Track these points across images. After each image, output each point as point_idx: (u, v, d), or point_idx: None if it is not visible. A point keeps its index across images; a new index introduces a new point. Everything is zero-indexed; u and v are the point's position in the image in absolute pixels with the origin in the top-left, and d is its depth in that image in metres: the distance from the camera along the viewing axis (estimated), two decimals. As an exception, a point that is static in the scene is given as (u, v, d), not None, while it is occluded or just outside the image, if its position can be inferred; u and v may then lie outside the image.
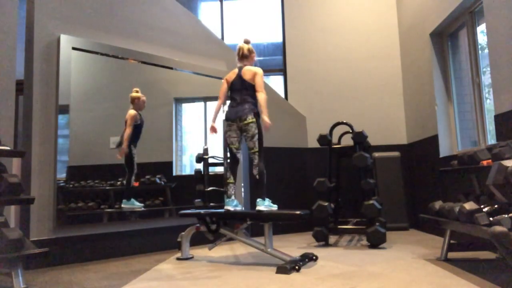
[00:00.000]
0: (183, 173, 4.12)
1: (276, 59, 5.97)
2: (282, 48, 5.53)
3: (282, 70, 5.54)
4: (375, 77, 5.26)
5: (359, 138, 3.79)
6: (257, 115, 3.10)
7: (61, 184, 3.17)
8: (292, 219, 2.88)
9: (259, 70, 3.15)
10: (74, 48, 3.34)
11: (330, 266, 2.79)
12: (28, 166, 3.08)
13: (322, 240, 3.76)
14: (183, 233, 3.35)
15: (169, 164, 3.98)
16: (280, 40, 5.57)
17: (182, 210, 3.42)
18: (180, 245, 3.32)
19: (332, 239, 4.13)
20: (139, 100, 3.68)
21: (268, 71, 6.74)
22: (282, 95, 5.34)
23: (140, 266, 3.01)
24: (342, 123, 4.01)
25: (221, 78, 4.40)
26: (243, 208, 4.39)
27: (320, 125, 5.18)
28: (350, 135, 3.98)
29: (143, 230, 3.63)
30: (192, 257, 3.32)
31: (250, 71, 3.14)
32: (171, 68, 4.02)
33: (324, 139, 3.97)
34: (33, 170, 3.07)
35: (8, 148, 2.38)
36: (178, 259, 3.28)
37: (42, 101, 3.17)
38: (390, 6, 5.34)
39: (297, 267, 2.67)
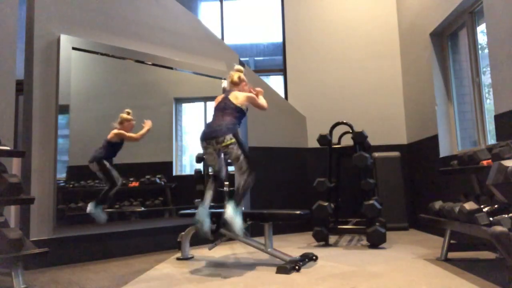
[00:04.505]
0: (183, 173, 4.12)
1: (276, 59, 5.98)
2: (282, 48, 5.53)
3: (282, 70, 5.54)
4: (375, 77, 5.26)
5: (359, 138, 3.79)
6: (237, 136, 2.81)
7: (61, 184, 3.17)
8: (292, 219, 2.88)
9: (250, 94, 3.00)
10: (74, 48, 3.34)
11: (330, 266, 2.79)
12: (28, 166, 3.07)
13: (322, 240, 3.76)
14: (183, 233, 3.35)
15: (169, 164, 3.98)
16: (280, 40, 5.57)
17: (182, 210, 3.42)
18: (180, 245, 3.32)
19: (332, 239, 4.13)
20: (128, 123, 3.61)
21: (268, 71, 6.73)
22: (282, 95, 5.34)
23: (140, 266, 3.01)
24: (342, 123, 4.00)
25: (221, 78, 4.40)
26: (243, 209, 4.39)
27: (320, 125, 5.17)
28: (350, 135, 3.98)
29: (143, 230, 3.63)
30: (192, 257, 3.32)
31: (240, 95, 2.95)
32: (171, 68, 4.02)
33: (324, 139, 3.96)
34: (33, 170, 3.07)
35: (8, 148, 2.38)
36: (178, 259, 3.28)
37: (42, 101, 3.17)
38: (390, 6, 5.34)
39: (297, 267, 2.67)
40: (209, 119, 2.95)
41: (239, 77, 3.05)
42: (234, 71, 3.11)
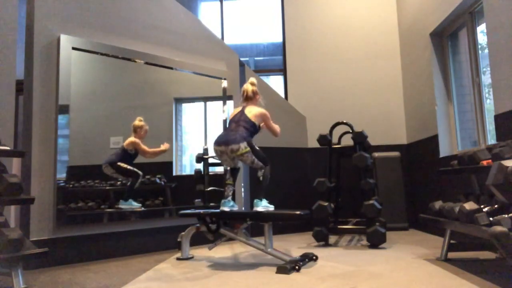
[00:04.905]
0: (183, 173, 4.12)
1: (276, 59, 5.97)
2: (282, 48, 5.53)
3: (282, 70, 5.54)
4: (375, 77, 5.26)
5: (359, 138, 3.79)
6: (250, 144, 2.98)
7: (61, 184, 3.17)
8: (292, 219, 2.88)
9: (265, 111, 3.13)
10: (74, 48, 3.34)
11: (330, 266, 2.79)
12: (28, 166, 3.07)
13: (322, 240, 3.76)
14: (183, 233, 3.35)
15: (169, 164, 3.98)
16: (280, 40, 5.57)
17: (182, 210, 3.42)
18: (180, 245, 3.32)
19: (332, 239, 4.13)
20: (141, 129, 3.70)
21: (268, 71, 6.73)
22: (282, 95, 5.34)
23: (140, 266, 3.01)
24: (342, 123, 4.00)
25: (221, 78, 4.40)
26: (243, 208, 4.39)
27: (320, 125, 5.18)
28: (350, 135, 3.98)
29: (143, 230, 3.63)
30: (192, 257, 3.32)
31: (255, 109, 3.11)
32: (171, 68, 4.02)
33: (324, 139, 3.96)
34: (33, 170, 3.07)
35: (8, 148, 2.38)
36: (178, 259, 3.28)
37: (42, 101, 3.17)
38: (390, 6, 5.34)
39: (297, 267, 2.67)
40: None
41: (253, 91, 3.19)
42: (247, 84, 3.23)
